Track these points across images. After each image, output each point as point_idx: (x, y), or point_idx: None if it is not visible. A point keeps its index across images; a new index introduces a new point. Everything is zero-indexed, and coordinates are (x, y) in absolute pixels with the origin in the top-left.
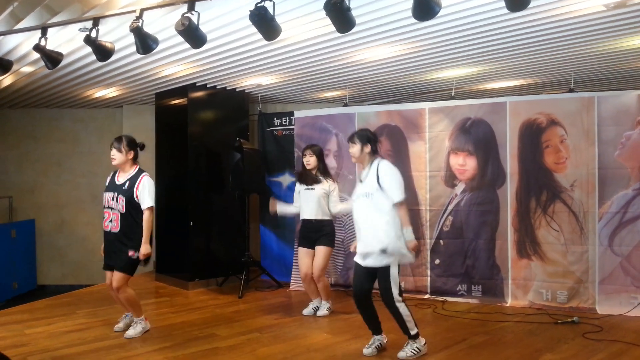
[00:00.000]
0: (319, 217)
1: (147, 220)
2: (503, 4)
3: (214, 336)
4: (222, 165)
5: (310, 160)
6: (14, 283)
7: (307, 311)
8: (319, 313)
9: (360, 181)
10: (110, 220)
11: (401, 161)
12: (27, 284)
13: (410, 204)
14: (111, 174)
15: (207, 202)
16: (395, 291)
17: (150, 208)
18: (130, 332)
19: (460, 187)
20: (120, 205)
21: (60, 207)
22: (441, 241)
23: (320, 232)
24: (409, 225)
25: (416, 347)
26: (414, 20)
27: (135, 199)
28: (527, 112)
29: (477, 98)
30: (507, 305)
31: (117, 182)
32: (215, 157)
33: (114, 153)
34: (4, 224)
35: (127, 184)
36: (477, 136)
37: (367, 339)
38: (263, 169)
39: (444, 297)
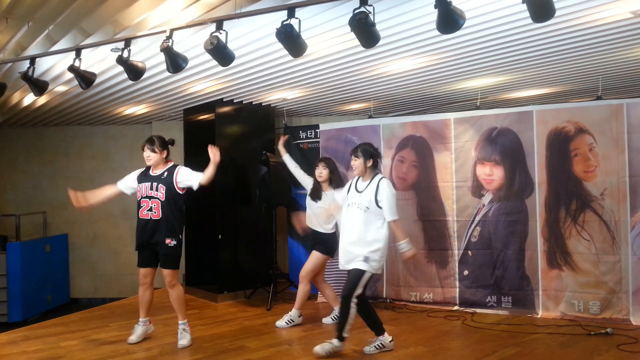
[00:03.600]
0: (318, 230)
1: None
2: (527, 14)
3: (243, 348)
4: (249, 179)
5: (322, 173)
6: (48, 296)
7: (326, 320)
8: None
9: (357, 190)
10: (150, 209)
11: (427, 172)
12: (61, 297)
13: (437, 215)
14: (140, 170)
15: (234, 215)
16: (357, 291)
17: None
18: (184, 342)
19: (487, 197)
20: (161, 193)
21: (93, 222)
22: (469, 252)
23: (316, 240)
24: (405, 237)
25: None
26: (438, 32)
27: (175, 186)
28: (555, 120)
29: (503, 107)
30: (538, 316)
31: (153, 174)
32: (243, 171)
33: (149, 154)
34: (39, 238)
35: (166, 173)
36: (504, 146)
37: (396, 350)
38: (289, 182)
39: (474, 309)
